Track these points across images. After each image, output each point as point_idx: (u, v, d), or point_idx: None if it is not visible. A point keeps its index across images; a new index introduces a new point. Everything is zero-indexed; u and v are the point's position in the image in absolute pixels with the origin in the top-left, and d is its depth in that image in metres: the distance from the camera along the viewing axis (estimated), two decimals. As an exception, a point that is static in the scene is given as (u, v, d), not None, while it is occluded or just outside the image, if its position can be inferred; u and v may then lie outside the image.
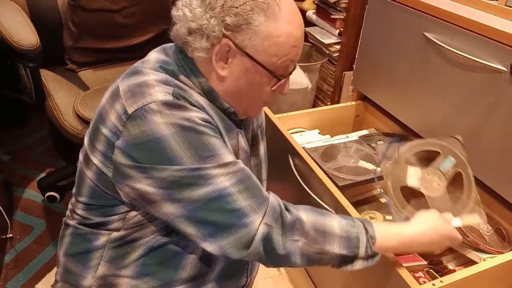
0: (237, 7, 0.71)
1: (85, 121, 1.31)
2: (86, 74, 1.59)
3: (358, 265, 0.78)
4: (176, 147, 0.68)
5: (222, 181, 0.69)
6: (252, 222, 0.70)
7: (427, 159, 1.03)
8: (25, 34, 1.25)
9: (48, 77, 1.45)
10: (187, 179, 0.68)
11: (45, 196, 1.61)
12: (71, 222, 0.84)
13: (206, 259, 0.81)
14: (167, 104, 0.69)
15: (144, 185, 0.70)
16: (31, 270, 1.38)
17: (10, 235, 1.48)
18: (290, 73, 0.81)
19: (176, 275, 0.80)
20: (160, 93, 0.70)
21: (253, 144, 0.94)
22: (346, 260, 0.78)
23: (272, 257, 0.72)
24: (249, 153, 0.88)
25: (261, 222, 0.70)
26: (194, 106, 0.73)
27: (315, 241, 0.74)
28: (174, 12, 0.77)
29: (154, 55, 0.81)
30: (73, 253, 0.83)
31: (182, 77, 0.77)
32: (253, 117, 0.91)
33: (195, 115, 0.71)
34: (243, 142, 0.84)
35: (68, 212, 0.86)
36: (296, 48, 0.77)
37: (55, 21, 1.52)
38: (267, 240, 0.71)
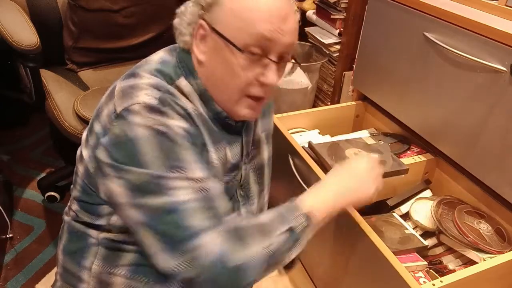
0: None
1: (85, 121, 1.31)
2: (86, 74, 1.59)
3: (306, 233, 0.76)
4: (147, 151, 0.68)
5: (182, 194, 0.67)
6: (204, 244, 0.66)
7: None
8: (25, 34, 1.25)
9: (48, 77, 1.45)
10: (150, 185, 0.67)
11: (45, 196, 1.61)
12: (67, 218, 0.85)
13: None
14: (149, 107, 0.69)
15: (115, 185, 0.70)
16: (31, 270, 1.38)
17: (10, 235, 1.48)
18: (268, 55, 0.74)
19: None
20: (146, 96, 0.71)
21: (256, 147, 0.93)
22: (291, 238, 0.74)
23: (228, 277, 0.68)
24: (238, 165, 0.86)
25: (213, 244, 0.66)
26: (180, 114, 0.72)
27: (261, 235, 0.71)
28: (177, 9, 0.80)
29: (159, 55, 0.81)
30: (69, 251, 0.83)
31: (180, 80, 0.77)
32: (248, 118, 0.81)
33: (176, 123, 0.70)
34: (230, 154, 0.83)
35: (66, 208, 0.87)
36: (270, 24, 0.71)
37: (55, 21, 1.52)
38: (221, 260, 0.66)
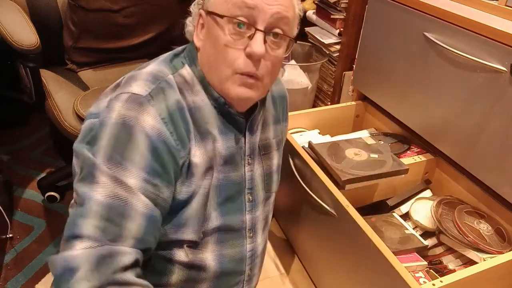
0: None
1: (85, 121, 1.31)
2: (86, 74, 1.59)
3: None
4: (104, 136, 0.68)
5: (99, 192, 0.64)
6: (72, 249, 0.60)
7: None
8: (25, 34, 1.25)
9: (48, 77, 1.45)
10: (85, 170, 0.67)
11: (45, 196, 1.60)
12: (71, 210, 0.84)
13: (195, 265, 0.80)
14: (133, 98, 0.70)
15: (74, 166, 0.72)
16: (31, 270, 1.38)
17: (10, 235, 1.48)
18: (255, 24, 0.72)
19: (164, 279, 0.79)
20: (138, 87, 0.72)
21: (266, 153, 0.92)
22: None
23: None
24: (233, 159, 0.83)
25: (78, 257, 0.60)
26: (165, 112, 0.71)
27: None
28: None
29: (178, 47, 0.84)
30: None
31: (184, 68, 0.79)
32: (243, 97, 0.77)
33: (150, 122, 0.69)
34: (222, 147, 0.80)
35: (72, 201, 0.86)
36: None
37: (55, 21, 1.51)
38: (66, 278, 0.59)
